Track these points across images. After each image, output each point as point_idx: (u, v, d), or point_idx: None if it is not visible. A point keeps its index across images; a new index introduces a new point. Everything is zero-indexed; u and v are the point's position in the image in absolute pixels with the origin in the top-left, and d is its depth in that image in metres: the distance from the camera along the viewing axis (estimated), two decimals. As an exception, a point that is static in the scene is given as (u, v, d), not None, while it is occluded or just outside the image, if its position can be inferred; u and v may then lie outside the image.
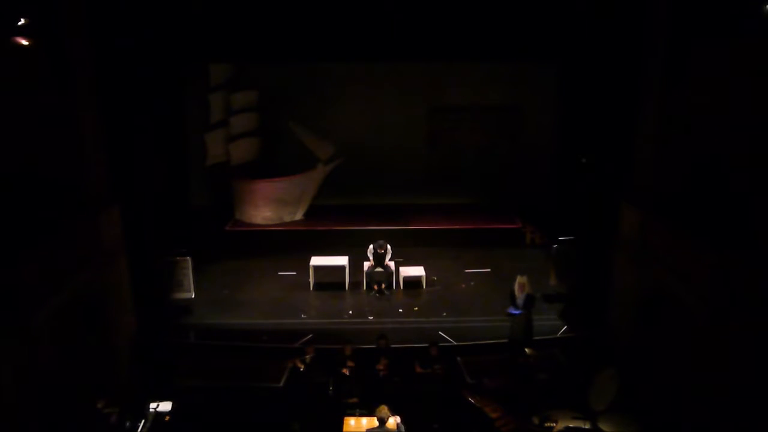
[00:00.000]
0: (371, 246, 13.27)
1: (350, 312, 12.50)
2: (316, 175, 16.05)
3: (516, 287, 10.72)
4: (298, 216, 16.24)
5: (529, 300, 10.68)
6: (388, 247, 13.30)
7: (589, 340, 11.10)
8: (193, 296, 12.40)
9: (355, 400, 9.37)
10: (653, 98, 9.93)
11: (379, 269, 13.17)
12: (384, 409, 7.98)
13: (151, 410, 8.88)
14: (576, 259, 12.31)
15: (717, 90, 9.11)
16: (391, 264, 13.38)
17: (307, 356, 9.94)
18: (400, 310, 12.53)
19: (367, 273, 13.31)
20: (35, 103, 9.25)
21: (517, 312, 10.68)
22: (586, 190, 12.12)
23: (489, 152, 17.03)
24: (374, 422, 8.05)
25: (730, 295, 7.91)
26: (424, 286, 13.37)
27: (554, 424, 8.75)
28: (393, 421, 8.16)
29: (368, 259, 13.33)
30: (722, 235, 8.28)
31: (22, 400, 7.81)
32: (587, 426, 8.84)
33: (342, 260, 13.43)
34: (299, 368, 9.75)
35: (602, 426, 8.92)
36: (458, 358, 10.63)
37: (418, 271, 13.50)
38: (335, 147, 15.95)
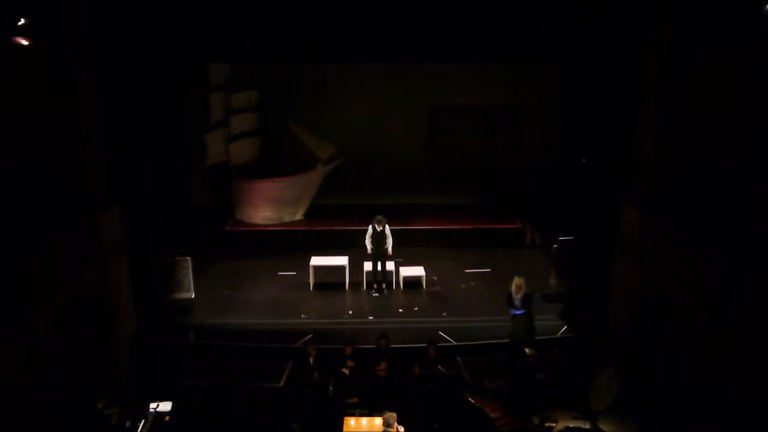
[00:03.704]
0: (369, 228, 13.09)
1: (350, 312, 12.51)
2: (316, 175, 16.05)
3: (513, 288, 10.72)
4: (298, 216, 16.24)
5: (527, 299, 10.68)
6: (387, 229, 13.08)
7: (589, 340, 11.10)
8: (193, 296, 12.40)
9: (355, 400, 9.38)
10: (653, 98, 9.93)
11: (379, 270, 13.14)
12: (392, 416, 7.99)
13: (151, 410, 8.88)
14: (576, 259, 12.31)
15: (717, 90, 9.11)
16: (391, 264, 13.36)
17: (311, 356, 9.98)
18: (401, 310, 12.53)
19: (367, 272, 13.29)
20: (35, 103, 9.25)
21: (519, 312, 10.68)
22: (586, 190, 12.13)
23: (489, 152, 17.04)
24: (374, 423, 8.05)
25: (730, 295, 7.90)
26: (424, 286, 13.37)
27: (554, 424, 8.74)
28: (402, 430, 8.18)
29: (367, 256, 13.24)
30: (722, 235, 8.28)
31: (23, 400, 7.81)
32: (587, 426, 8.84)
33: (342, 260, 13.43)
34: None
35: (602, 426, 8.92)
36: (458, 358, 10.63)
37: (418, 271, 13.50)
38: (335, 147, 15.95)
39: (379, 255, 13.06)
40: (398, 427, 8.18)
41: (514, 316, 10.70)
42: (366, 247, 13.12)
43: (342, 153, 15.99)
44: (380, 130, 16.57)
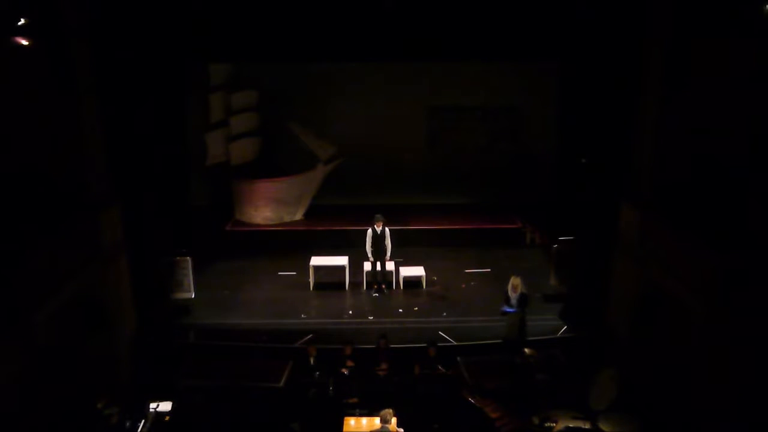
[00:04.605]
0: (369, 230, 12.99)
1: (350, 312, 12.51)
2: (316, 175, 16.05)
3: (509, 288, 10.72)
4: (298, 216, 16.24)
5: (523, 299, 10.69)
6: (387, 231, 13.01)
7: (589, 340, 11.10)
8: (193, 296, 12.40)
9: (355, 400, 9.38)
10: (653, 98, 9.93)
11: (378, 269, 13.13)
12: (389, 412, 8.00)
13: (151, 410, 8.89)
14: (576, 259, 12.32)
15: (717, 90, 9.11)
16: (391, 264, 13.35)
17: (311, 357, 9.99)
18: (400, 310, 12.53)
19: (367, 272, 13.28)
20: (35, 103, 9.25)
21: (511, 310, 10.67)
22: (586, 190, 12.13)
23: (489, 152, 17.03)
24: (374, 423, 8.06)
25: (730, 295, 7.91)
26: (424, 286, 13.37)
27: (554, 424, 8.75)
28: (395, 421, 8.18)
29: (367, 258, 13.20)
30: (722, 234, 8.28)
31: (23, 400, 7.81)
32: (587, 426, 8.84)
33: (342, 260, 13.42)
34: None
35: (602, 426, 8.92)
36: (458, 358, 10.63)
37: (418, 271, 13.50)
38: (335, 147, 15.95)
39: (378, 254, 13.03)
40: (397, 429, 8.18)
41: (505, 312, 10.70)
42: (367, 253, 13.02)
43: (342, 153, 15.99)
44: (380, 130, 16.54)
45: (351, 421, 8.63)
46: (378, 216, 13.03)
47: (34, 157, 9.30)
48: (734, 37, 8.80)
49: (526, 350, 10.53)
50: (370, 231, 13.00)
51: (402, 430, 8.26)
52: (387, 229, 13.04)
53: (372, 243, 12.96)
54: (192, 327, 11.87)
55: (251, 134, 16.27)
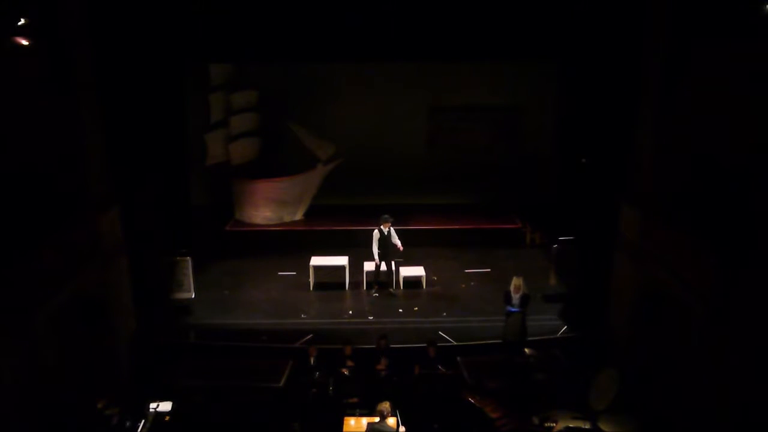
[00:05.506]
0: (375, 231, 12.89)
1: (350, 312, 12.51)
2: (316, 175, 16.05)
3: (512, 288, 10.72)
4: (298, 216, 16.24)
5: (525, 299, 10.69)
6: (393, 230, 13.00)
7: (589, 340, 11.10)
8: (193, 296, 12.40)
9: (355, 400, 9.38)
10: (653, 98, 9.93)
11: (383, 269, 13.11)
12: (386, 405, 8.01)
13: (151, 410, 8.89)
14: (576, 259, 12.32)
15: (717, 90, 9.10)
16: (392, 264, 13.36)
17: (311, 357, 9.98)
18: (400, 310, 12.53)
19: (367, 272, 13.27)
20: (35, 104, 9.25)
21: (515, 310, 10.68)
22: (586, 190, 12.14)
23: (489, 152, 17.03)
24: (374, 418, 8.07)
25: (730, 295, 7.90)
26: (424, 286, 13.37)
27: (554, 424, 8.75)
28: (394, 420, 8.18)
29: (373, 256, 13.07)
30: (722, 235, 8.27)
31: (22, 399, 7.81)
32: (587, 426, 8.84)
33: (342, 260, 13.42)
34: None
35: (602, 426, 8.92)
36: (458, 358, 10.63)
37: (418, 271, 13.50)
38: (335, 147, 15.95)
39: (386, 255, 12.98)
40: (398, 419, 8.17)
41: (510, 313, 10.71)
42: (374, 255, 12.87)
43: (342, 153, 15.98)
44: (380, 130, 16.55)
45: (351, 421, 8.62)
46: (385, 216, 12.94)
47: (34, 157, 9.30)
48: (734, 37, 8.80)
49: (526, 350, 10.53)
50: (376, 232, 12.89)
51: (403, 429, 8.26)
52: (393, 229, 13.00)
53: (379, 245, 12.92)
54: (192, 327, 11.87)
55: (251, 134, 16.27)
